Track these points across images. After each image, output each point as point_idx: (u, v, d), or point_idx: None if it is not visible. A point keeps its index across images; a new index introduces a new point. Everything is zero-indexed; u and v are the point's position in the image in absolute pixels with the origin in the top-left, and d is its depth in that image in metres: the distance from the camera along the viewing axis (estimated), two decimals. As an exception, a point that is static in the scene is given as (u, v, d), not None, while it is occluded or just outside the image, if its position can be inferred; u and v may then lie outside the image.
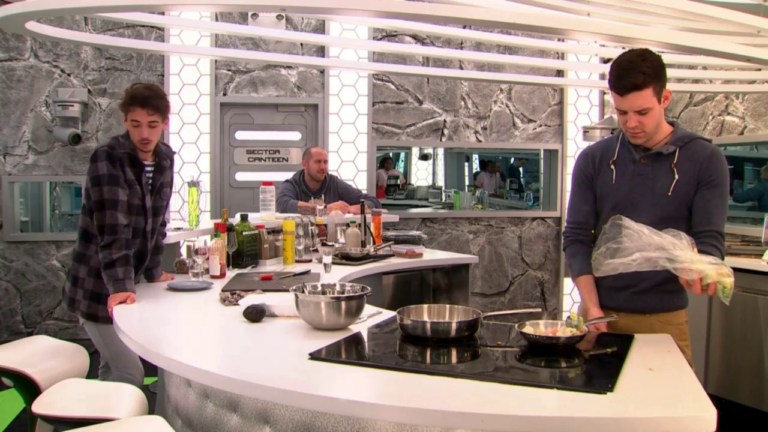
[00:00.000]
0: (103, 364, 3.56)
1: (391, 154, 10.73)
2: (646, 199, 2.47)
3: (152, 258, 3.41)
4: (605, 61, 6.63)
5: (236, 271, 3.66)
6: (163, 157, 3.38)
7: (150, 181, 3.31)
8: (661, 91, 2.41)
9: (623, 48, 4.57)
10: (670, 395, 1.74)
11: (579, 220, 2.63)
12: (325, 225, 4.55)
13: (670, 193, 2.44)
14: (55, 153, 6.32)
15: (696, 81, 5.61)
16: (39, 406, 2.29)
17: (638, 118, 2.39)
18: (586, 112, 7.03)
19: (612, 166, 2.55)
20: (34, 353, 2.85)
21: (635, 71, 2.35)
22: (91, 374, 2.98)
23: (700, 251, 2.17)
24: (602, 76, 6.68)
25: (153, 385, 4.47)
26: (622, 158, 2.54)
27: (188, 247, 3.56)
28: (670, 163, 2.46)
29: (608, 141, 2.65)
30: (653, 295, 2.49)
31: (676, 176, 2.44)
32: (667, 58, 4.75)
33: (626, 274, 2.20)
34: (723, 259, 2.27)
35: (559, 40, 4.87)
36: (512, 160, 10.33)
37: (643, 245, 2.15)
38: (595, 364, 2.02)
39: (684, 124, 6.11)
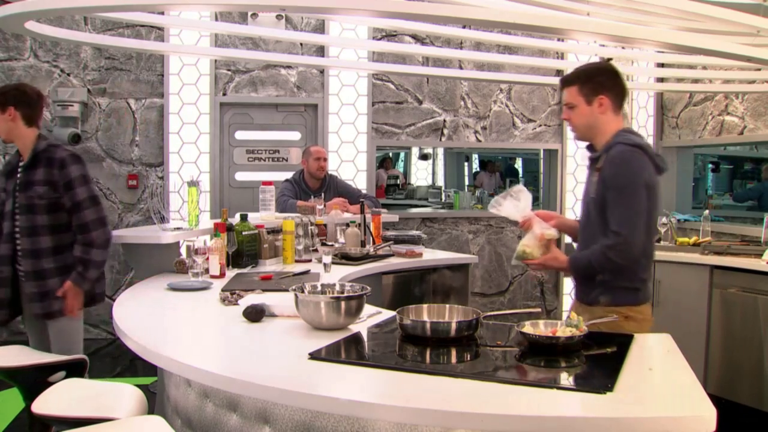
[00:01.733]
0: None
1: (390, 154, 10.73)
2: (585, 198, 2.77)
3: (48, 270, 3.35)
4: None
5: (236, 270, 3.65)
6: (41, 155, 3.36)
7: (18, 178, 3.37)
8: (593, 96, 2.67)
9: (623, 48, 4.59)
10: (670, 395, 1.74)
11: None
12: (325, 225, 4.55)
13: (593, 195, 2.66)
14: (55, 153, 6.32)
15: (696, 81, 5.61)
16: (38, 406, 2.28)
17: (568, 112, 2.72)
18: (585, 112, 7.03)
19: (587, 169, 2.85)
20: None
21: (575, 71, 2.73)
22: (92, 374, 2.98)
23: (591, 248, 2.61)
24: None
25: (152, 384, 4.48)
26: (590, 161, 2.81)
27: (188, 247, 3.56)
28: (597, 167, 2.68)
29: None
30: (598, 288, 2.67)
31: (595, 179, 2.66)
32: (666, 58, 4.76)
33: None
34: (600, 264, 2.57)
35: (558, 39, 4.87)
36: (520, 162, 10.30)
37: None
38: (595, 364, 2.02)
39: (684, 124, 6.12)
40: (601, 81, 2.67)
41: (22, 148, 3.41)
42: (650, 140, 6.49)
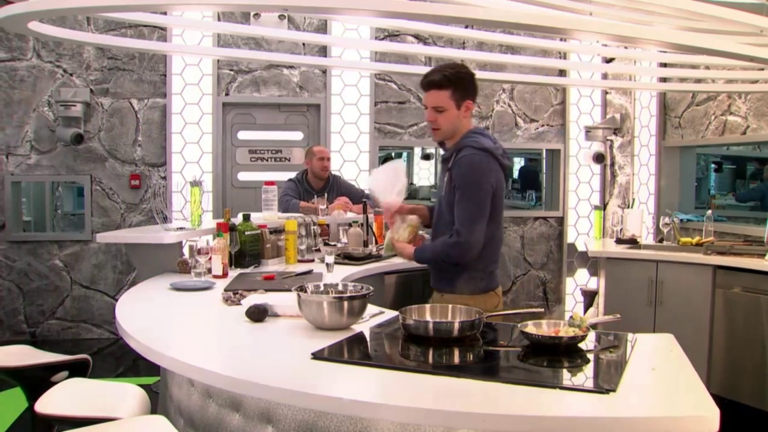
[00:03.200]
0: None
1: (393, 154, 10.73)
2: (438, 194, 2.94)
3: None
4: (607, 60, 6.63)
5: (238, 270, 3.65)
6: None
7: None
8: (462, 100, 2.79)
9: (625, 47, 4.59)
10: (673, 395, 1.74)
11: None
12: (328, 225, 4.55)
13: (443, 194, 2.85)
14: (58, 153, 6.34)
15: (698, 81, 5.60)
16: (41, 406, 2.29)
17: (434, 114, 2.80)
18: (588, 111, 7.03)
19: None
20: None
21: (438, 72, 2.78)
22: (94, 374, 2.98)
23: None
24: (604, 76, 6.68)
25: (155, 384, 4.48)
26: (443, 162, 2.95)
27: (190, 247, 3.56)
28: (448, 167, 2.84)
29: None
30: (440, 275, 2.90)
31: (446, 179, 2.83)
32: (669, 58, 4.75)
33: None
34: (440, 258, 2.80)
35: (561, 39, 4.86)
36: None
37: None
38: (598, 364, 2.02)
39: (686, 124, 6.11)
40: (469, 86, 2.82)
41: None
42: (653, 140, 6.48)
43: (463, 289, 2.85)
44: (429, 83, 2.80)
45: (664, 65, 5.78)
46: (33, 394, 2.65)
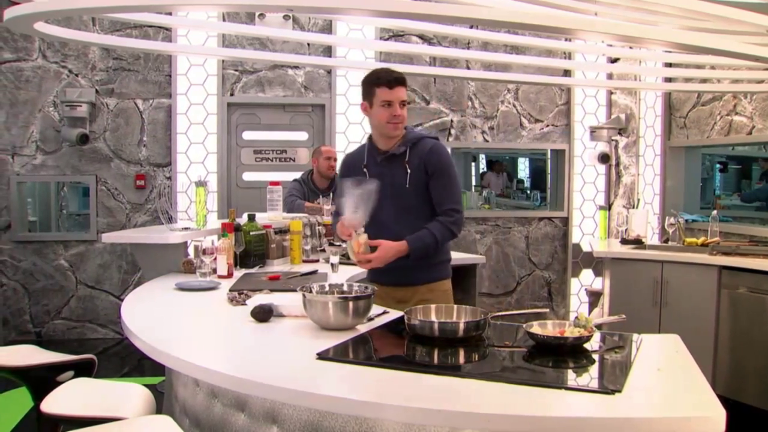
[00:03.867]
0: None
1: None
2: (388, 191, 2.96)
3: None
4: (612, 60, 6.62)
5: (243, 270, 3.66)
6: None
7: None
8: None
9: (630, 47, 4.58)
10: (680, 396, 1.73)
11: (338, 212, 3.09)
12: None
13: (407, 186, 2.99)
14: (63, 153, 6.36)
15: (704, 81, 5.59)
16: (47, 406, 2.29)
17: (401, 110, 3.00)
18: (593, 111, 7.01)
19: (365, 169, 3.09)
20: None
21: (396, 72, 3.03)
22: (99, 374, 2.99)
23: (423, 227, 2.96)
24: (609, 76, 6.67)
25: (160, 384, 4.48)
26: (370, 161, 3.11)
27: (195, 247, 3.56)
28: (402, 161, 3.02)
29: (361, 149, 3.21)
30: (420, 269, 3.04)
31: (408, 171, 2.99)
32: (674, 58, 4.74)
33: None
34: (445, 238, 3.00)
35: (566, 39, 4.86)
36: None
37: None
38: (603, 365, 2.01)
39: (692, 124, 6.10)
40: None
41: None
42: (658, 140, 6.47)
43: (441, 273, 3.13)
44: (398, 79, 3.00)
45: (670, 65, 5.78)
46: (38, 394, 2.65)
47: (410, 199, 3.01)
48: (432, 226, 2.98)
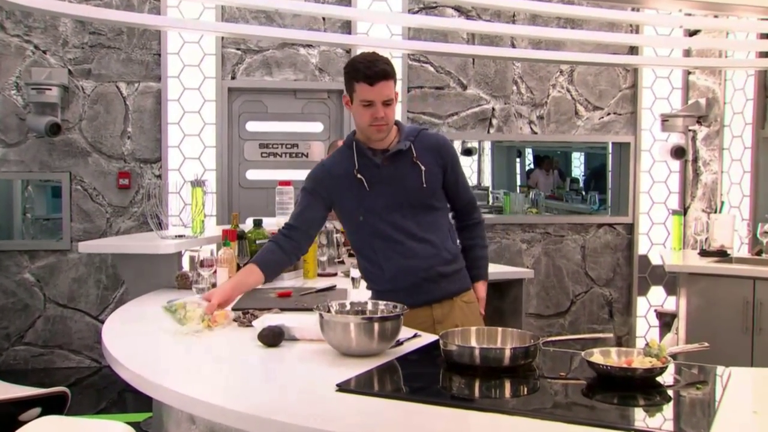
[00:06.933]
0: None
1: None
2: (403, 196, 2.98)
3: None
4: (691, 33, 6.57)
5: (247, 286, 3.68)
6: None
7: None
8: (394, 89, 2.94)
9: (715, 16, 4.52)
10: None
11: (294, 225, 3.06)
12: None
13: (425, 185, 2.99)
14: (29, 146, 6.39)
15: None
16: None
17: (385, 109, 2.90)
18: (665, 96, 6.97)
19: (359, 176, 2.99)
20: None
21: (381, 62, 2.86)
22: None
23: (469, 239, 3.28)
24: (687, 53, 6.61)
25: (146, 422, 4.53)
26: (364, 165, 3.00)
27: (191, 259, 3.60)
28: (411, 157, 3.00)
29: (342, 154, 3.11)
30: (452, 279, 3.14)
31: (423, 167, 2.99)
32: None
33: (413, 270, 2.98)
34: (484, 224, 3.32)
35: (633, 9, 4.83)
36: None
37: None
38: (680, 404, 2.00)
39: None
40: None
41: None
42: (749, 130, 6.38)
43: (466, 282, 3.25)
44: (380, 73, 2.85)
45: (766, 36, 5.70)
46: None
47: (428, 200, 3.05)
48: (475, 234, 3.32)
